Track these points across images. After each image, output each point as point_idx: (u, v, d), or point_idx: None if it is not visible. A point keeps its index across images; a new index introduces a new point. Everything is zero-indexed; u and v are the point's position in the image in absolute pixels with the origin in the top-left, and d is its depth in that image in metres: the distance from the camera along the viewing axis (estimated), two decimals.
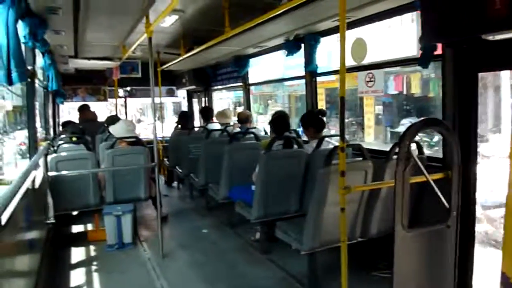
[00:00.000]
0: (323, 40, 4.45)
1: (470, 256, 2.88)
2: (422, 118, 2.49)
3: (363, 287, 3.17)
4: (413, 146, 2.88)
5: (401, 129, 12.88)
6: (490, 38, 2.38)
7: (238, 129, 5.83)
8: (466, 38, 2.60)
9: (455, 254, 2.55)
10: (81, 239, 4.52)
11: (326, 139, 3.90)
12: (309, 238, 2.99)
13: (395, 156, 2.72)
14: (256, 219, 3.75)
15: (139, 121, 23.63)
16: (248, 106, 6.88)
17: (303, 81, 4.75)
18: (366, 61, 3.82)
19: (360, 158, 3.11)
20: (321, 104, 15.43)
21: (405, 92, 13.48)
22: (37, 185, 3.56)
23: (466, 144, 2.77)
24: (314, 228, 2.97)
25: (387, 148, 3.26)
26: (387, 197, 3.09)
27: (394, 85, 13.47)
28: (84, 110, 7.53)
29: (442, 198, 2.45)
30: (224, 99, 21.23)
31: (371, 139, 14.68)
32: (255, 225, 4.13)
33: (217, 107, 8.54)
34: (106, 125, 6.67)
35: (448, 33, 2.64)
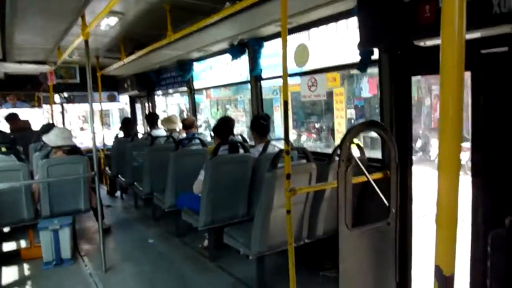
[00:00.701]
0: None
1: (409, 250, 3.02)
2: (361, 121, 2.59)
3: (311, 287, 3.22)
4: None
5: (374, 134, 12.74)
6: (422, 44, 2.53)
7: (184, 135, 5.73)
8: (400, 43, 2.76)
9: (395, 249, 2.67)
10: (14, 258, 4.16)
11: (272, 142, 3.93)
12: (257, 243, 2.99)
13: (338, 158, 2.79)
14: (204, 226, 3.68)
15: (81, 129, 22.38)
16: (194, 112, 6.79)
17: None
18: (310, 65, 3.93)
19: (305, 161, 3.16)
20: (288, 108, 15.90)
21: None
22: None
23: (402, 145, 2.91)
24: (261, 232, 2.97)
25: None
26: (331, 198, 3.17)
27: (368, 88, 13.10)
28: (12, 119, 6.97)
29: (382, 197, 2.55)
30: (176, 104, 20.64)
31: None
32: (203, 233, 4.06)
33: (170, 113, 8.28)
34: (40, 134, 6.25)
35: (383, 39, 2.78)
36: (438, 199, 1.06)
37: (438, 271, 1.05)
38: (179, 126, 6.27)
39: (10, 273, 3.88)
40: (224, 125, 4.16)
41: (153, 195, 5.05)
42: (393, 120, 2.98)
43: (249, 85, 4.88)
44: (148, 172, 5.07)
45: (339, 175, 2.32)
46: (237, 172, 3.71)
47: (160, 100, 16.02)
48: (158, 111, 14.82)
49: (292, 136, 15.16)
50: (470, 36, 2.27)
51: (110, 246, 4.48)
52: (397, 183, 2.63)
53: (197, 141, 4.88)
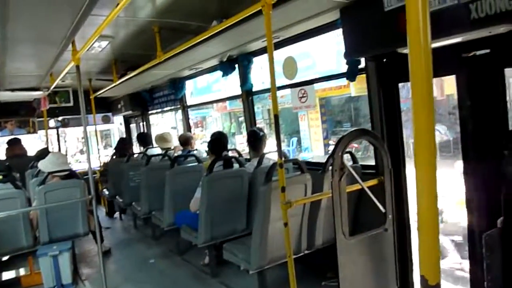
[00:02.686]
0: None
1: (409, 255, 3.03)
2: (351, 129, 2.62)
3: None
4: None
5: None
6: (405, 51, 2.59)
7: (180, 152, 5.74)
8: (384, 52, 2.81)
9: (395, 255, 2.68)
10: (14, 286, 4.13)
11: (267, 156, 3.95)
12: (256, 257, 2.99)
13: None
14: (203, 243, 3.68)
15: (81, 151, 22.18)
16: (188, 128, 6.82)
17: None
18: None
19: (299, 172, 3.18)
20: (316, 117, 14.27)
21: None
22: None
23: (395, 150, 2.95)
24: (260, 246, 2.97)
25: None
26: (328, 207, 3.19)
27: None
28: (13, 144, 6.98)
29: (378, 203, 2.58)
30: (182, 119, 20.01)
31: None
32: (204, 249, 4.05)
33: (180, 130, 8.07)
34: (36, 159, 6.24)
35: (368, 48, 2.85)
36: (417, 206, 1.08)
37: (423, 281, 1.06)
38: (173, 143, 6.27)
39: None
40: (217, 141, 4.18)
41: (151, 215, 5.04)
42: (384, 126, 3.03)
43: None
44: (145, 191, 5.07)
45: (333, 185, 2.35)
46: (233, 187, 3.73)
47: (169, 117, 15.23)
48: (167, 128, 14.45)
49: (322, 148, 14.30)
50: (451, 41, 2.33)
51: (111, 268, 4.45)
52: (392, 189, 2.66)
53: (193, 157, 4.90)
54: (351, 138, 2.56)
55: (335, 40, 5.45)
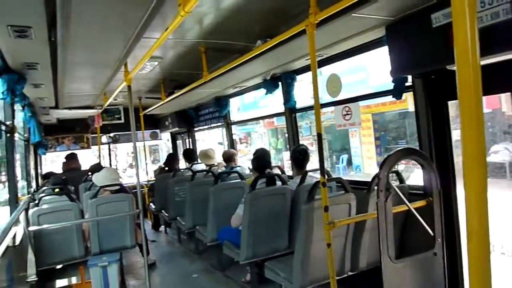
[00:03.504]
0: None
1: (460, 282, 2.86)
2: (398, 148, 2.55)
3: None
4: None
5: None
6: (454, 68, 2.50)
7: (223, 168, 5.83)
8: (433, 69, 2.74)
9: (445, 281, 2.55)
10: None
11: (310, 174, 3.92)
12: (298, 277, 2.94)
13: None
14: (245, 260, 3.68)
15: (131, 165, 23.08)
16: (231, 145, 6.93)
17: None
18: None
19: (343, 192, 3.12)
20: (369, 133, 13.48)
21: None
22: (17, 241, 3.45)
23: (444, 170, 2.83)
24: (302, 266, 2.92)
25: None
26: (373, 228, 3.09)
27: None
28: (69, 159, 7.46)
29: (426, 226, 2.47)
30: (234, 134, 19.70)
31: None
32: (245, 266, 4.05)
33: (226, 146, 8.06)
34: (89, 173, 6.60)
35: (415, 65, 2.78)
36: (467, 225, 1.02)
37: None
38: (216, 159, 6.38)
39: None
40: (261, 159, 4.20)
41: (195, 229, 5.13)
42: (432, 146, 2.92)
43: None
44: (190, 206, 5.17)
45: (378, 205, 2.28)
46: (276, 204, 3.72)
47: (215, 133, 15.04)
48: (214, 143, 14.48)
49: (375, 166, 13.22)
50: (506, 57, 2.23)
51: (155, 281, 4.56)
52: (441, 211, 2.54)
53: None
54: (397, 157, 2.49)
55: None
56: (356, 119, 3.64)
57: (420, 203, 2.57)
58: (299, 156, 3.93)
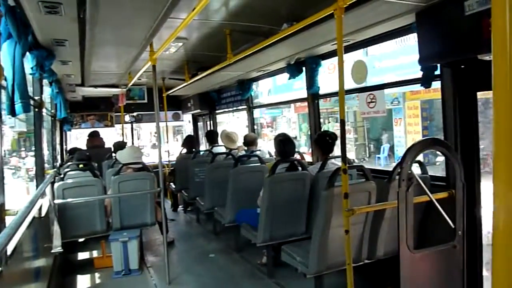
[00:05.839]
0: None
1: (479, 276, 2.83)
2: (422, 138, 2.50)
3: None
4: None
5: None
6: (487, 58, 2.42)
7: (243, 152, 5.85)
8: (463, 58, 2.65)
9: (463, 275, 2.52)
10: (88, 266, 4.51)
11: (331, 160, 3.89)
12: (315, 262, 2.97)
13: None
14: (262, 242, 3.73)
15: (154, 145, 23.50)
16: (252, 129, 6.94)
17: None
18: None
19: (363, 180, 3.10)
20: (416, 122, 12.23)
21: None
22: (43, 213, 3.59)
23: (469, 163, 2.77)
24: (319, 251, 2.95)
25: None
26: (393, 218, 3.07)
27: None
28: (93, 136, 7.65)
29: (447, 218, 2.43)
30: (256, 118, 18.81)
31: None
32: (262, 248, 4.10)
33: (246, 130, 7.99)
34: (112, 151, 6.75)
35: (445, 54, 2.70)
36: (493, 221, 1.00)
37: None
38: (237, 143, 6.40)
39: (85, 281, 4.20)
40: (287, 143, 4.10)
41: (214, 210, 5.21)
42: (458, 137, 2.85)
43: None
44: (209, 188, 5.25)
45: (399, 195, 2.26)
46: (295, 189, 3.73)
47: (242, 116, 14.33)
48: (240, 127, 14.26)
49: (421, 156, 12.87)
50: None
51: (173, 259, 4.68)
52: (464, 204, 2.50)
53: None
54: (421, 147, 2.45)
55: None
56: (381, 107, 3.58)
57: (442, 195, 2.53)
58: (329, 140, 3.87)
